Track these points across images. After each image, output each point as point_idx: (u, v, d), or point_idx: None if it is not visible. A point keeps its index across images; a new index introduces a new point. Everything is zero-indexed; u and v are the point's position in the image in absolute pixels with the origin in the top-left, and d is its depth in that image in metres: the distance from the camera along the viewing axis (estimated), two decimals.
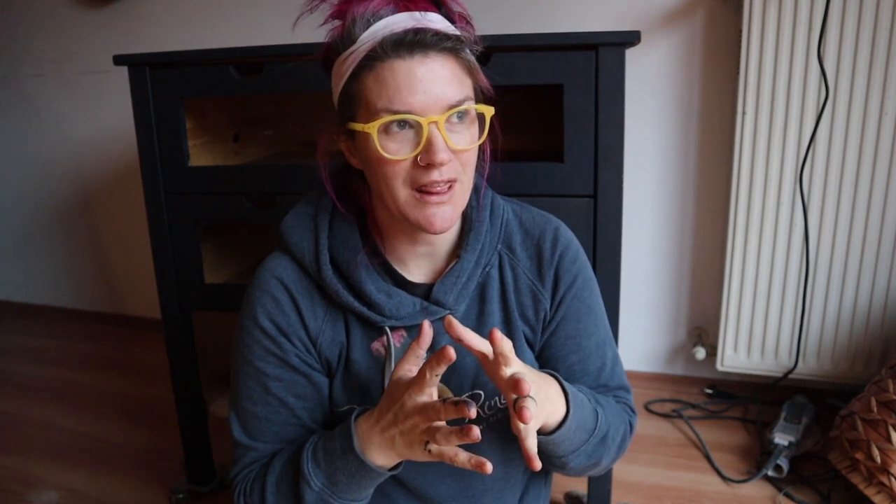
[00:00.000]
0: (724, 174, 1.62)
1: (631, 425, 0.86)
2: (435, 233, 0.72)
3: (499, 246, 0.82)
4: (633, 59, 1.55)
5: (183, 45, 1.93)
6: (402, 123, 0.68)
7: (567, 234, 0.84)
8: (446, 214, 0.71)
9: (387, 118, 0.67)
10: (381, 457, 0.70)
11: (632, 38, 1.01)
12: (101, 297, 2.50)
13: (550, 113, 1.07)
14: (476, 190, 0.82)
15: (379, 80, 0.68)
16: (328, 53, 0.74)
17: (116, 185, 2.30)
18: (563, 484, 1.42)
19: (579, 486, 1.39)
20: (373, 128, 0.68)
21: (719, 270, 1.67)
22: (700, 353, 1.72)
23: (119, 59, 1.21)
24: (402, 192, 0.71)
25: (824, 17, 1.35)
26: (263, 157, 1.53)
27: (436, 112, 0.67)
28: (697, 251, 1.73)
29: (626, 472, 1.45)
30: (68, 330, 2.47)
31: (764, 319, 1.58)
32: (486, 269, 0.81)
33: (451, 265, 0.79)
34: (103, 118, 2.21)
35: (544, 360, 0.85)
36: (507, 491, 0.88)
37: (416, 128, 0.68)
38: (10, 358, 2.27)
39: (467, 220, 0.81)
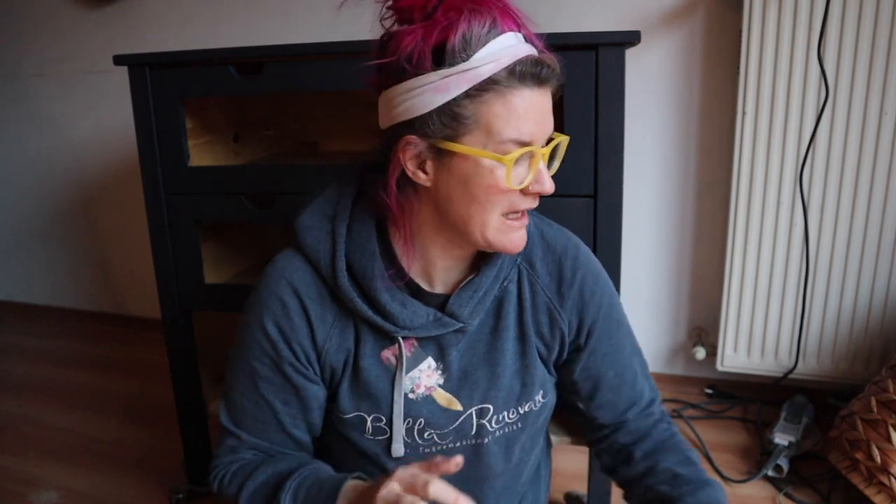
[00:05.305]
0: (724, 174, 1.62)
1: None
2: (515, 252, 0.74)
3: (519, 259, 0.81)
4: (633, 59, 1.55)
5: (183, 45, 1.93)
6: (527, 154, 0.69)
7: (587, 255, 0.84)
8: (524, 234, 0.75)
9: (524, 150, 0.67)
10: None
11: (632, 38, 1.01)
12: (101, 297, 2.50)
13: None
14: None
15: (509, 106, 0.66)
16: (402, 61, 0.66)
17: (116, 185, 2.30)
18: (562, 484, 1.42)
19: (579, 486, 1.39)
20: (510, 160, 0.67)
21: (719, 270, 1.67)
22: (700, 353, 1.72)
23: (119, 59, 1.21)
24: (495, 219, 0.71)
25: (824, 17, 1.35)
26: (263, 157, 1.53)
27: (542, 144, 0.70)
28: (697, 251, 1.73)
29: None
30: (68, 330, 2.47)
31: (764, 319, 1.58)
32: (505, 284, 0.80)
33: (468, 278, 0.78)
34: (103, 118, 2.21)
35: (584, 379, 0.85)
36: (504, 497, 0.89)
37: (532, 158, 0.69)
38: (10, 358, 2.27)
39: None
